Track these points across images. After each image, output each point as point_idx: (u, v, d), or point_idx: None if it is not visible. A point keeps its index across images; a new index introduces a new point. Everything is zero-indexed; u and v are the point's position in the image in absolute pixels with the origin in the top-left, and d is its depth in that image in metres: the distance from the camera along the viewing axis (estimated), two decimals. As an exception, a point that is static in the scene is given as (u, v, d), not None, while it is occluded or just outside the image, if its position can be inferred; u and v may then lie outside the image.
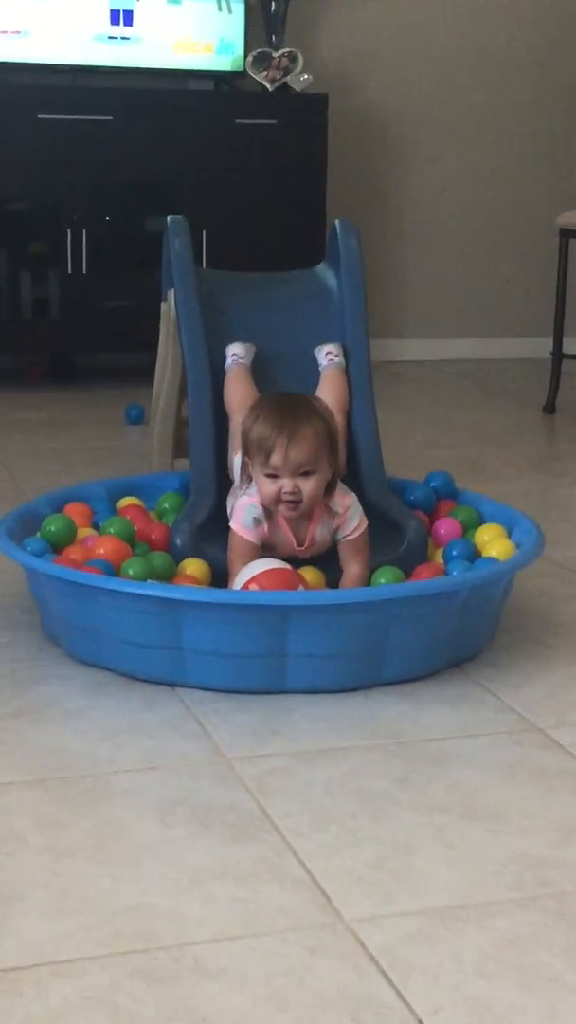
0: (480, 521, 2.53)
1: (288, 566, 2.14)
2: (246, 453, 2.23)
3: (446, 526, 2.49)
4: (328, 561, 2.27)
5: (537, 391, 4.66)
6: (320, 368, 2.64)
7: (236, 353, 2.63)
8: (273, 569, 2.12)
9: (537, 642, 2.31)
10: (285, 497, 2.18)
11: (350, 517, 2.24)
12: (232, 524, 2.24)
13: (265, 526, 2.22)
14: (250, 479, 2.25)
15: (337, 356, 2.65)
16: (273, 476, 2.18)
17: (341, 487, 2.26)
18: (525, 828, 1.66)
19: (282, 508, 2.20)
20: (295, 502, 2.18)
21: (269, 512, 2.22)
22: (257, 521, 2.22)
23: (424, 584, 2.13)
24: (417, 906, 1.48)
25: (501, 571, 2.19)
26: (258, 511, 2.22)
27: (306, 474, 2.17)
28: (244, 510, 2.23)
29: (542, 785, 1.78)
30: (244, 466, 2.27)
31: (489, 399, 4.73)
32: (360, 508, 2.27)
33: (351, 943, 1.41)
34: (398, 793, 1.75)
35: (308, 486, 2.18)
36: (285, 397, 2.28)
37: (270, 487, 2.18)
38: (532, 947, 1.41)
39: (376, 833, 1.64)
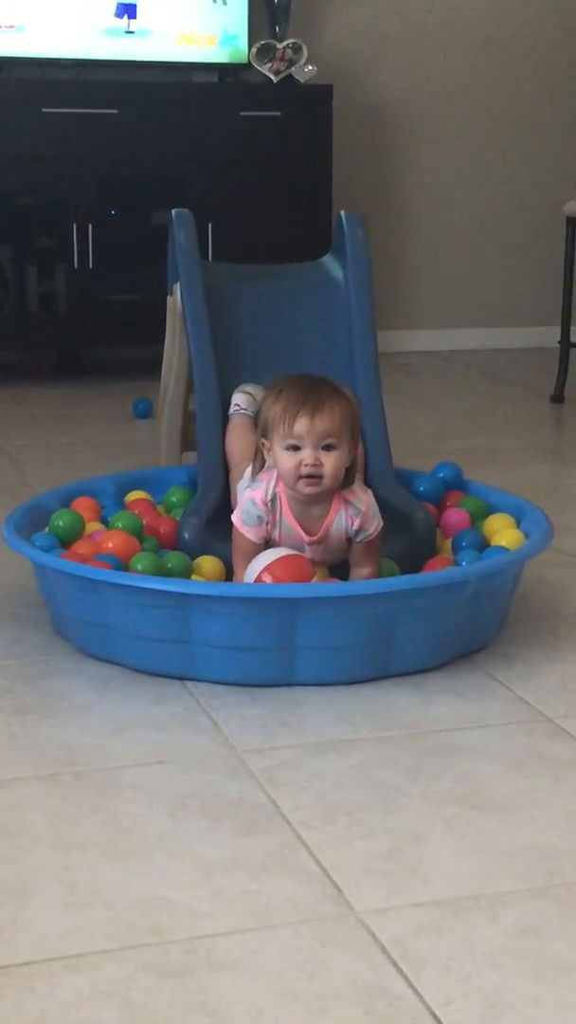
0: (488, 511, 2.52)
1: (298, 552, 2.14)
2: (263, 434, 2.17)
3: (454, 517, 2.49)
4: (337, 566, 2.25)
5: (545, 380, 4.65)
6: None
7: (239, 404, 2.58)
8: (283, 557, 2.11)
9: (547, 632, 2.31)
10: (305, 471, 2.11)
11: (371, 517, 2.18)
12: (234, 518, 2.21)
13: (267, 524, 2.18)
14: (262, 465, 2.21)
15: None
16: (294, 448, 2.12)
17: (359, 484, 2.22)
18: (536, 818, 1.66)
19: (301, 485, 2.12)
20: (316, 476, 2.12)
21: (274, 503, 2.18)
22: (259, 519, 2.17)
23: (433, 575, 2.13)
24: (428, 897, 1.48)
25: (510, 561, 2.19)
26: (259, 509, 2.17)
27: (329, 448, 2.11)
28: (245, 507, 2.19)
29: (553, 775, 1.78)
30: (257, 453, 2.22)
31: (497, 389, 4.72)
32: (377, 508, 2.21)
33: (363, 935, 1.41)
34: (408, 784, 1.75)
35: (330, 461, 2.11)
36: (307, 376, 2.23)
37: (290, 461, 2.12)
38: (544, 937, 1.41)
39: (387, 824, 1.64)
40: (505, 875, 1.53)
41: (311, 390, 2.15)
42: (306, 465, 2.11)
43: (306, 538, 2.18)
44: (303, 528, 2.18)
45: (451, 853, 1.58)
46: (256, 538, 2.18)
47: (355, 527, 2.18)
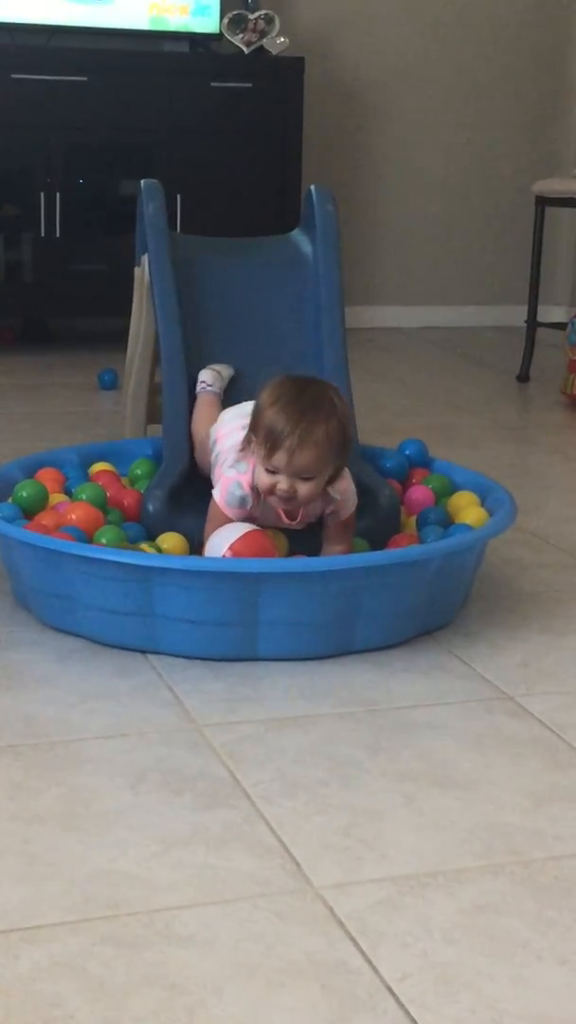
0: (453, 489, 2.53)
1: (260, 529, 2.13)
2: (252, 430, 2.13)
3: (419, 494, 2.49)
4: (306, 537, 2.24)
5: (511, 359, 4.66)
6: None
7: (204, 381, 2.55)
8: (247, 534, 2.11)
9: (509, 611, 2.32)
10: (280, 494, 2.10)
11: (346, 501, 2.18)
12: (215, 495, 2.19)
13: (250, 507, 2.16)
14: (249, 443, 2.16)
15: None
16: (272, 472, 2.09)
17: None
18: (495, 796, 1.67)
19: (274, 500, 2.12)
20: (289, 499, 2.11)
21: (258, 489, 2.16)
22: (243, 501, 2.15)
23: (395, 552, 2.13)
24: (386, 873, 1.49)
25: (473, 539, 2.19)
26: (244, 492, 2.15)
27: (307, 479, 2.09)
28: (229, 488, 2.16)
29: (512, 753, 1.79)
30: (247, 436, 2.17)
31: (463, 367, 4.73)
32: (353, 488, 2.20)
33: (320, 910, 1.42)
34: (368, 761, 1.75)
35: (305, 489, 2.09)
36: (307, 387, 2.13)
37: (266, 480, 2.10)
38: (500, 914, 1.42)
39: (346, 800, 1.65)
40: (463, 852, 1.54)
41: (301, 416, 2.07)
42: (281, 490, 2.10)
43: (286, 521, 2.16)
44: (285, 513, 2.16)
45: (410, 829, 1.59)
46: (236, 519, 2.17)
47: (330, 510, 2.18)
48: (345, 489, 2.18)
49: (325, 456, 2.08)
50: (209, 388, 2.55)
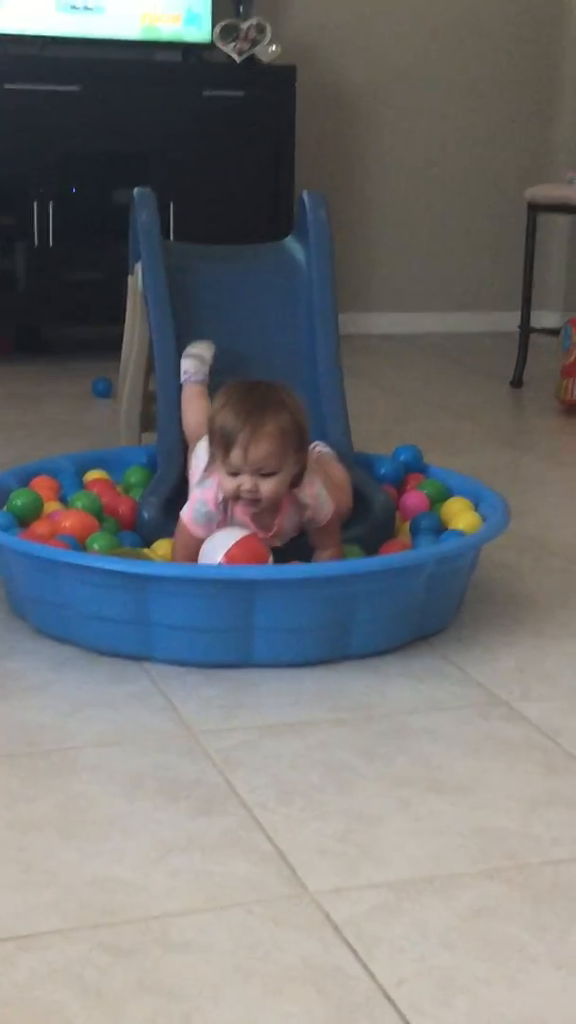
0: (447, 495, 2.53)
1: (253, 534, 2.13)
2: (211, 442, 2.15)
3: (413, 499, 2.49)
4: (300, 545, 2.24)
5: (505, 365, 4.66)
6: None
7: (187, 371, 2.55)
8: (242, 539, 2.10)
9: (503, 616, 2.32)
10: (243, 495, 2.11)
11: (319, 506, 2.18)
12: (183, 515, 2.19)
13: (216, 523, 2.16)
14: (213, 459, 2.17)
15: (324, 447, 2.52)
16: (233, 473, 2.11)
17: (308, 476, 2.18)
18: (490, 801, 1.67)
19: (241, 507, 2.14)
20: (254, 500, 2.12)
21: (226, 504, 2.16)
22: (209, 518, 2.16)
23: (389, 558, 2.14)
24: (382, 878, 1.49)
25: (467, 545, 2.20)
26: (208, 508, 2.16)
27: (267, 474, 2.10)
28: (194, 506, 2.17)
29: (507, 758, 1.79)
30: (210, 452, 2.18)
31: (457, 373, 4.74)
32: (326, 494, 2.21)
33: (316, 915, 1.42)
34: (364, 766, 1.76)
35: (268, 486, 2.10)
36: (255, 387, 2.17)
37: (229, 483, 2.11)
38: (496, 919, 1.42)
39: (342, 806, 1.65)
40: (459, 857, 1.54)
41: (249, 414, 2.09)
42: (244, 491, 2.10)
43: (260, 534, 2.17)
44: (256, 525, 2.16)
45: (406, 835, 1.59)
46: (205, 535, 2.16)
47: (305, 517, 2.18)
48: (315, 495, 2.18)
49: (281, 448, 2.09)
50: (193, 378, 2.54)
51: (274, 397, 2.13)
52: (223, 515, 2.16)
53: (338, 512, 2.26)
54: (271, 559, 2.13)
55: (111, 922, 1.40)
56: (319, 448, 2.49)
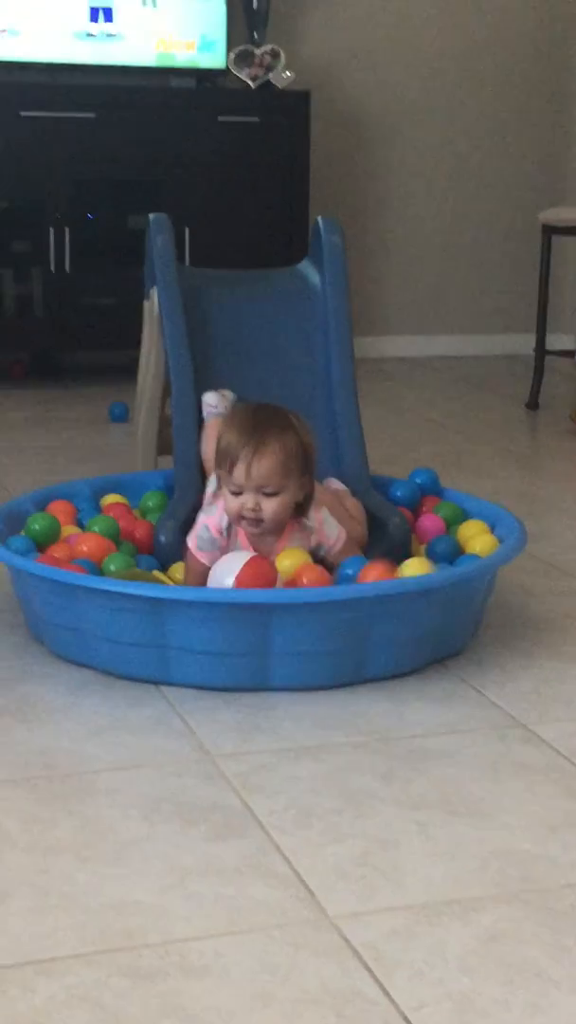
0: (464, 517, 2.53)
1: (260, 556, 2.13)
2: (216, 461, 2.17)
3: (429, 522, 2.50)
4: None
5: (520, 387, 4.67)
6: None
7: (210, 403, 2.57)
8: (250, 561, 2.10)
9: (520, 638, 2.32)
10: (246, 514, 2.12)
11: (327, 532, 2.19)
12: (189, 541, 2.22)
13: (219, 550, 2.17)
14: (219, 482, 2.19)
15: (339, 484, 2.51)
16: (236, 492, 2.12)
17: (315, 505, 2.19)
18: (508, 824, 1.67)
19: (244, 524, 2.15)
20: (256, 520, 2.13)
21: (229, 530, 2.18)
22: (213, 544, 2.18)
23: (406, 581, 2.14)
24: (401, 902, 1.49)
25: (483, 567, 2.20)
26: (210, 534, 2.17)
27: (270, 494, 2.11)
28: (198, 532, 2.20)
29: (525, 781, 1.79)
30: (217, 476, 2.21)
31: (472, 395, 4.74)
32: (332, 519, 2.21)
33: (335, 939, 1.42)
34: (382, 789, 1.75)
35: (271, 506, 2.11)
36: (262, 408, 2.19)
37: (233, 503, 2.13)
38: (515, 942, 1.41)
39: (360, 829, 1.65)
40: (477, 880, 1.54)
41: (253, 431, 2.11)
42: (246, 509, 2.12)
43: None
44: (256, 550, 2.17)
45: (424, 858, 1.58)
46: (210, 563, 2.18)
47: (313, 544, 2.18)
48: (321, 519, 2.19)
49: (283, 466, 2.10)
50: (215, 411, 2.56)
51: (279, 418, 2.16)
52: (226, 541, 2.18)
53: (352, 538, 2.26)
54: (280, 580, 2.13)
55: (130, 946, 1.40)
56: (334, 484, 2.50)
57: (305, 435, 2.16)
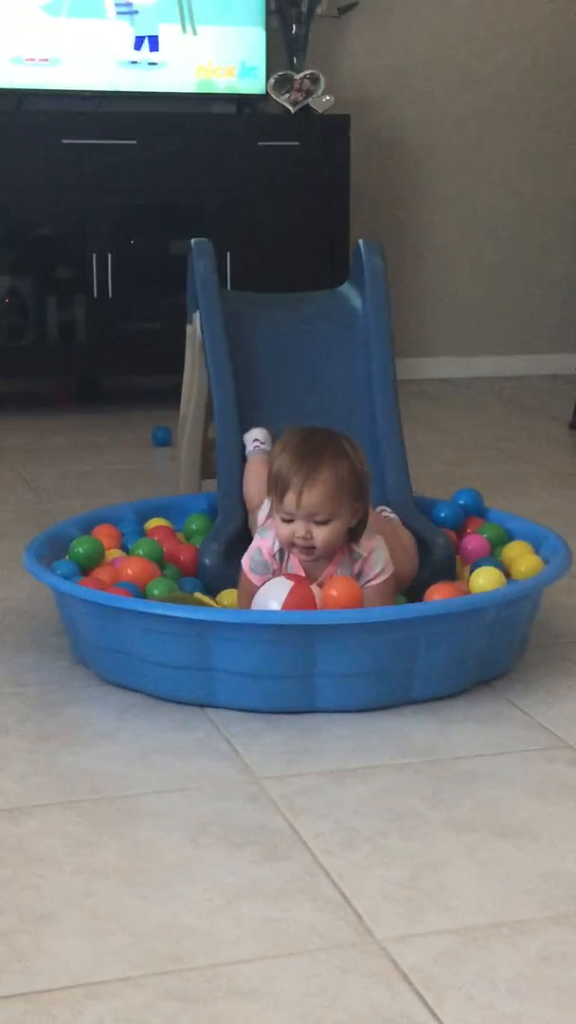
0: (508, 538, 2.52)
1: (302, 579, 2.13)
2: (268, 487, 2.16)
3: (474, 543, 2.49)
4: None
5: (563, 407, 4.65)
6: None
7: (258, 439, 2.56)
8: (291, 589, 2.10)
9: (566, 659, 2.30)
10: (297, 542, 2.11)
11: (374, 562, 2.16)
12: (243, 562, 2.21)
13: (271, 574, 2.16)
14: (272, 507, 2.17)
15: (392, 514, 2.49)
16: (288, 520, 2.10)
17: (369, 530, 2.17)
18: (557, 845, 1.66)
19: (296, 551, 2.13)
20: (308, 547, 2.11)
21: (282, 554, 2.16)
22: (264, 567, 2.17)
23: (452, 602, 2.13)
24: (449, 924, 1.48)
25: (529, 588, 2.19)
26: (262, 557, 2.17)
27: (321, 522, 2.09)
28: (252, 555, 2.19)
29: (573, 802, 1.77)
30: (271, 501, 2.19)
31: (515, 416, 4.73)
32: (386, 554, 2.18)
33: (383, 962, 1.41)
34: (429, 811, 1.75)
35: (322, 534, 2.09)
36: (315, 433, 2.15)
37: (284, 529, 2.11)
38: (566, 965, 1.40)
39: (407, 851, 1.64)
40: (526, 902, 1.53)
41: (305, 458, 2.08)
42: (298, 537, 2.10)
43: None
44: (308, 575, 2.16)
45: (472, 880, 1.58)
46: (260, 585, 2.17)
47: (356, 570, 2.16)
48: (372, 548, 2.16)
49: (334, 495, 2.08)
50: (262, 447, 2.55)
51: (333, 444, 2.13)
52: (278, 564, 2.17)
53: (397, 577, 2.24)
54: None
55: (178, 969, 1.40)
56: (386, 513, 2.49)
57: (359, 461, 2.12)
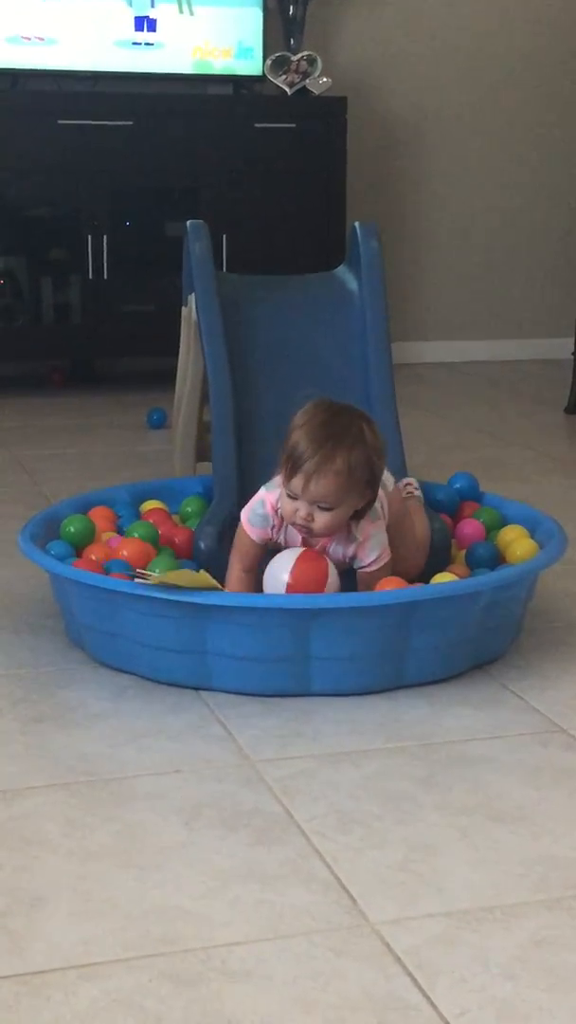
0: (503, 522, 2.52)
1: (315, 552, 2.12)
2: (282, 453, 2.11)
3: (469, 527, 2.49)
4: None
5: (558, 392, 4.65)
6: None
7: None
8: (301, 555, 2.09)
9: (561, 643, 2.31)
10: (298, 520, 2.09)
11: (370, 548, 2.14)
12: (242, 514, 2.20)
13: (271, 528, 2.15)
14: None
15: (417, 490, 2.48)
16: (292, 497, 2.09)
17: (372, 513, 2.15)
18: (550, 829, 1.66)
19: (295, 526, 2.12)
20: (308, 528, 2.10)
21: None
22: (264, 520, 2.15)
23: (446, 586, 2.13)
24: (443, 908, 1.48)
25: (523, 572, 2.19)
26: (265, 511, 2.15)
27: (325, 508, 2.07)
28: (254, 504, 2.17)
29: (567, 786, 1.78)
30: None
31: (510, 400, 4.72)
32: (384, 540, 2.16)
33: (377, 945, 1.41)
34: (423, 795, 1.75)
35: (323, 519, 2.07)
36: (337, 416, 2.10)
37: (287, 505, 2.10)
38: (559, 948, 1.41)
39: (401, 835, 1.64)
40: (519, 886, 1.53)
41: (322, 443, 2.04)
42: (300, 517, 2.09)
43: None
44: (304, 543, 2.15)
45: (465, 864, 1.58)
46: (257, 539, 2.16)
47: (350, 554, 2.16)
48: (369, 535, 2.14)
49: (343, 487, 2.06)
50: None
51: (352, 430, 2.08)
52: (279, 520, 2.15)
53: (403, 569, 2.21)
54: (332, 575, 2.11)
55: (171, 951, 1.40)
56: (410, 487, 2.45)
57: (374, 450, 2.08)
